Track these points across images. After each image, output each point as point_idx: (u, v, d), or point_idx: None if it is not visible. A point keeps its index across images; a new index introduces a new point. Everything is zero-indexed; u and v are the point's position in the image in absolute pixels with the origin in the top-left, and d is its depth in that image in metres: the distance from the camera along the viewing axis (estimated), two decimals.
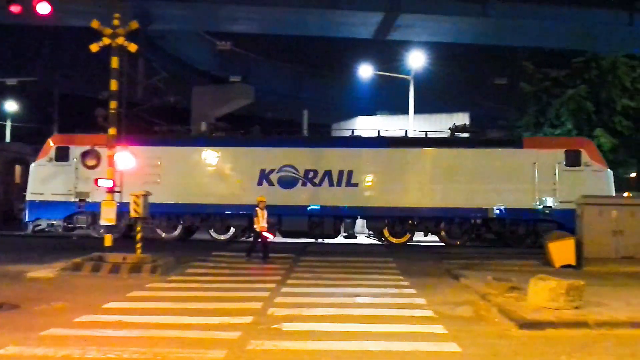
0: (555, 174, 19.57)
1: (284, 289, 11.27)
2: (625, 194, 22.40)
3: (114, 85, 14.21)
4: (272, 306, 9.50)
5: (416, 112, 29.20)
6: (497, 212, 19.61)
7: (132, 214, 13.83)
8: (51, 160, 21.04)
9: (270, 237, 15.97)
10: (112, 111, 14.26)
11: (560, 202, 19.30)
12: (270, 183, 20.42)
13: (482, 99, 34.53)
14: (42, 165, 21.13)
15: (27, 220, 21.12)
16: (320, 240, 20.95)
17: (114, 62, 14.15)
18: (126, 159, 14.69)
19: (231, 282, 12.13)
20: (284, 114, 38.98)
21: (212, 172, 20.96)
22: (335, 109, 38.14)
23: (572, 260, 14.39)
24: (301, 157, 20.61)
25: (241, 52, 32.08)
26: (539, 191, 19.52)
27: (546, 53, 29.46)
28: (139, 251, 13.56)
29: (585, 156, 19.79)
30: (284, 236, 21.04)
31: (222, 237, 21.26)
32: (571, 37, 24.52)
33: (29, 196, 20.99)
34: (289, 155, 20.65)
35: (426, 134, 21.26)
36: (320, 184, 20.39)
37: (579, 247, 14.47)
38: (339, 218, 20.50)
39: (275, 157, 20.68)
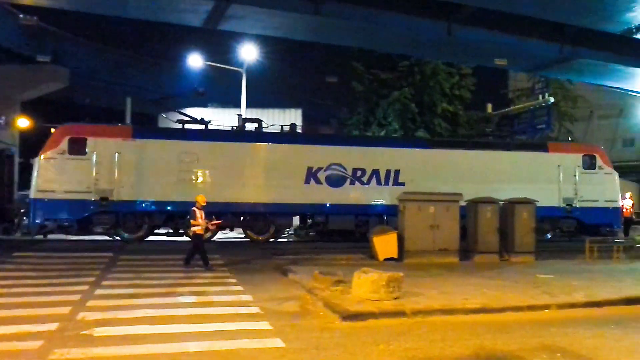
0: (576, 176, 22.20)
1: (99, 291, 10.58)
2: (628, 195, 24.94)
3: None
4: (83, 310, 8.90)
5: (248, 106, 29.34)
6: None
7: None
8: (63, 153, 18.47)
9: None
10: None
11: (580, 201, 22.16)
12: (318, 181, 20.27)
13: (315, 96, 35.73)
14: (52, 158, 18.46)
15: (33, 221, 18.47)
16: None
17: None
18: None
19: (36, 285, 11.10)
20: (104, 101, 36.74)
21: (256, 169, 20.02)
22: (163, 98, 36.85)
23: (394, 253, 15.47)
24: (350, 156, 20.73)
25: (52, 30, 29.41)
26: (562, 191, 21.87)
27: (376, 55, 31.35)
28: None
29: (599, 160, 22.67)
30: (330, 235, 21.01)
31: (261, 237, 20.47)
32: (396, 42, 26.17)
33: (34, 194, 18.30)
34: (337, 154, 20.65)
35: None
36: (368, 183, 20.65)
37: (401, 240, 15.59)
38: (383, 216, 20.63)
39: (323, 155, 20.54)
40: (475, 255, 16.12)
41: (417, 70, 31.36)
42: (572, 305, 10.00)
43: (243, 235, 21.47)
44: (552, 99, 27.67)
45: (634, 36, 23.09)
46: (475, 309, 9.41)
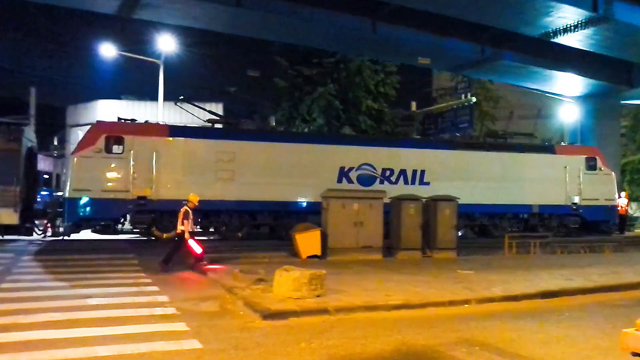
0: (579, 177, 24.46)
1: None
2: (623, 193, 27.37)
3: None
4: None
5: (166, 99, 28.68)
6: (538, 208, 23.93)
7: None
8: (100, 151, 18.58)
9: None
10: None
11: (583, 199, 24.40)
12: (350, 181, 21.28)
13: (237, 90, 35.38)
14: (88, 157, 18.52)
15: (68, 221, 18.52)
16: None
17: None
18: None
19: None
20: (5, 90, 34.84)
21: (291, 169, 20.70)
22: (73, 89, 35.45)
23: (317, 251, 15.57)
24: (379, 156, 21.93)
25: None
26: (569, 190, 24.18)
27: (300, 50, 31.41)
28: None
29: (599, 162, 25.15)
30: None
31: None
32: (319, 38, 26.39)
33: (70, 193, 18.32)
34: (367, 154, 21.80)
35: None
36: (396, 182, 21.75)
37: (324, 238, 15.72)
38: None
39: (354, 155, 21.64)
40: (398, 252, 16.49)
41: (342, 67, 31.70)
42: (491, 300, 10.40)
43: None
44: (474, 99, 28.76)
45: (552, 40, 24.40)
46: (397, 305, 9.59)
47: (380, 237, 16.25)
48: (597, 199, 24.69)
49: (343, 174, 21.28)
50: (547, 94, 35.01)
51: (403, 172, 22.11)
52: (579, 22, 22.70)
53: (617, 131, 34.53)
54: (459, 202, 22.18)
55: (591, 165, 24.95)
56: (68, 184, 18.69)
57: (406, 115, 32.80)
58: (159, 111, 27.84)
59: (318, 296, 9.66)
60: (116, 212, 18.83)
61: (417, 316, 9.17)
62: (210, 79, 36.58)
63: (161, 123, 20.29)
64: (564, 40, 24.40)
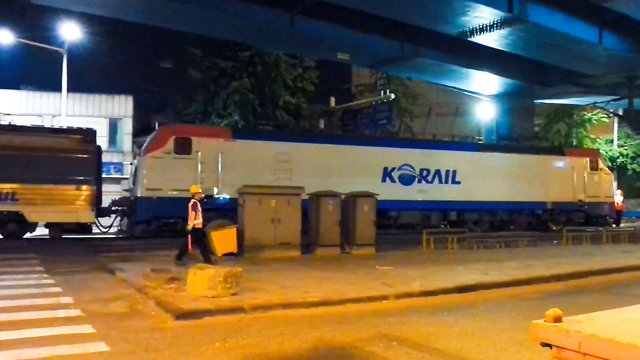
0: (584, 177, 27.41)
1: None
2: (618, 192, 30.69)
3: None
4: None
5: (70, 90, 27.58)
6: (551, 205, 26.65)
7: None
8: (170, 152, 19.93)
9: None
10: None
11: (587, 197, 27.33)
12: (392, 180, 23.38)
13: (147, 83, 34.50)
14: (159, 157, 19.86)
15: (140, 219, 19.94)
16: None
17: None
18: None
19: None
20: None
21: (341, 169, 22.33)
22: None
23: (233, 248, 15.45)
24: (417, 157, 24.06)
25: None
26: (575, 189, 27.02)
27: (216, 42, 31.01)
28: None
29: (600, 163, 28.45)
30: (399, 228, 24.12)
31: None
32: (234, 30, 26.16)
33: (142, 192, 19.65)
34: (407, 155, 23.95)
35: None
36: (432, 182, 24.14)
37: (240, 235, 15.62)
38: (443, 211, 24.56)
39: (396, 156, 23.71)
40: (317, 249, 16.63)
41: (257, 60, 31.57)
42: (409, 295, 10.67)
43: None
44: (393, 96, 29.43)
45: (469, 39, 25.37)
46: (315, 302, 9.67)
47: (298, 234, 16.33)
48: (598, 197, 27.75)
49: (386, 173, 23.39)
50: (464, 92, 36.36)
51: (438, 172, 24.39)
52: (495, 22, 23.71)
53: (531, 129, 36.37)
54: (485, 200, 25.36)
55: (593, 166, 27.86)
56: (140, 183, 19.75)
57: (325, 111, 33.13)
58: (63, 103, 26.74)
59: (234, 294, 9.61)
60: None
61: (336, 313, 9.28)
62: (118, 70, 35.37)
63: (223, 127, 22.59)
64: (480, 39, 25.41)
